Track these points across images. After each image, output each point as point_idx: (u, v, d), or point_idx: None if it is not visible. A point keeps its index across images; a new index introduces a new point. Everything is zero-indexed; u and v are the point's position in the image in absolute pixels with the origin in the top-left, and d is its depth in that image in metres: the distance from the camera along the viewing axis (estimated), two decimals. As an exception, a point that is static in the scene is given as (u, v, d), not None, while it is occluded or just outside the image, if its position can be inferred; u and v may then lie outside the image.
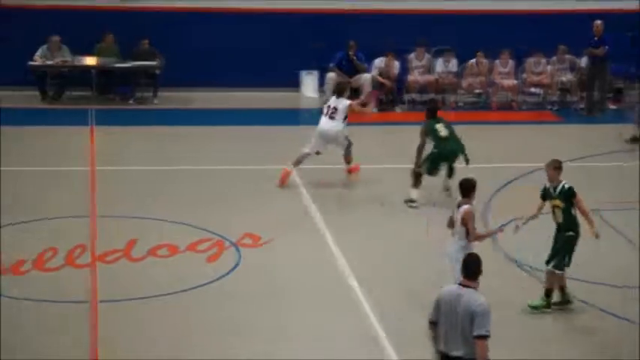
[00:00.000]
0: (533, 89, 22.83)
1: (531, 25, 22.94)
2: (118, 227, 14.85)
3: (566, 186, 12.18)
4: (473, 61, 22.64)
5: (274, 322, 12.05)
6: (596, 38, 21.75)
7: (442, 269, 12.27)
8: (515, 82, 22.57)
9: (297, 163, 17.18)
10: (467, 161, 16.10)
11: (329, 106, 17.22)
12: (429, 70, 22.84)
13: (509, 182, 17.25)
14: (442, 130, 16.42)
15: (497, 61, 22.63)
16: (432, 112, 16.81)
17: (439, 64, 22.79)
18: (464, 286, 8.93)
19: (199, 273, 13.30)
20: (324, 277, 13.46)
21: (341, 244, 14.45)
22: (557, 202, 12.19)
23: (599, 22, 21.79)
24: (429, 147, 16.26)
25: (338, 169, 17.54)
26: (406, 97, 22.64)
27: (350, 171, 17.50)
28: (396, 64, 22.62)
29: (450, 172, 16.52)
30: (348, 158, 17.42)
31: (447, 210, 14.45)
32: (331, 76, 22.45)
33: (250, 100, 22.69)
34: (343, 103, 17.17)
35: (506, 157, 18.71)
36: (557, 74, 22.62)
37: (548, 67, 22.64)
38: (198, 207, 15.88)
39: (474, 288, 8.91)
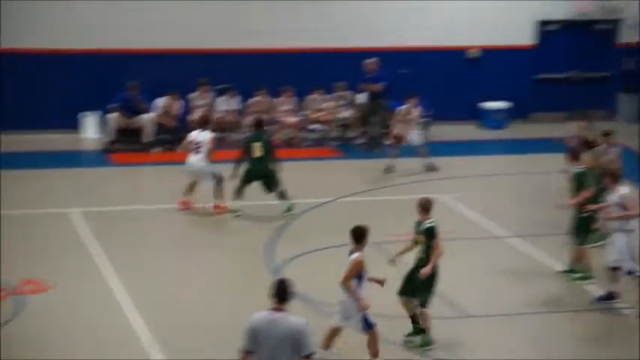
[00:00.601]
0: (314, 126, 23.25)
1: (311, 63, 23.40)
2: None
3: (428, 225, 12.38)
4: (255, 99, 22.83)
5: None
6: (369, 75, 22.33)
7: (233, 307, 12.23)
8: (297, 119, 22.92)
9: (218, 195, 17.31)
10: (270, 187, 17.01)
11: (191, 141, 17.27)
12: (212, 108, 22.87)
13: (293, 219, 17.45)
14: (257, 149, 16.83)
15: (279, 99, 22.92)
16: (255, 127, 17.52)
17: (221, 103, 22.89)
18: (276, 310, 8.98)
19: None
20: (108, 320, 13.22)
21: (127, 286, 14.23)
22: (419, 237, 12.45)
23: (370, 59, 22.41)
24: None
25: (124, 211, 17.33)
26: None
27: (216, 208, 17.38)
28: (178, 104, 22.56)
29: (280, 195, 17.08)
30: (218, 194, 17.31)
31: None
32: (113, 116, 22.16)
33: (29, 143, 22.04)
34: (206, 135, 17.12)
35: (290, 193, 18.90)
36: (337, 111, 23.12)
37: (328, 104, 23.11)
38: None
39: (286, 311, 8.98)
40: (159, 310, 13.50)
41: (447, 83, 24.10)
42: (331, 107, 23.06)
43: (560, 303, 14.32)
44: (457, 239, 16.52)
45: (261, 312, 9.03)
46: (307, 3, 23.41)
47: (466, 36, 24.30)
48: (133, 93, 22.16)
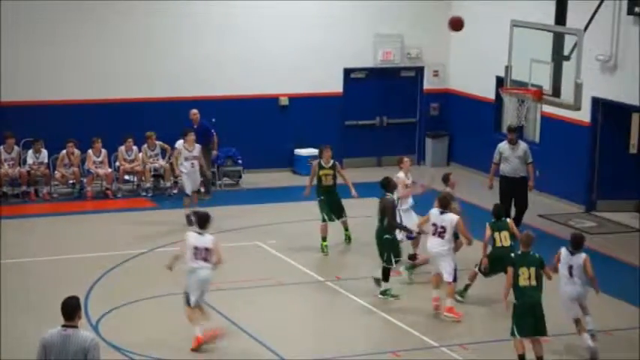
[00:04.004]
0: (127, 177, 22.87)
1: (120, 112, 23.13)
2: None
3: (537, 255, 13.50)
4: (64, 152, 22.31)
5: None
6: (195, 126, 22.07)
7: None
8: (109, 170, 22.51)
9: None
10: None
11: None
12: (20, 162, 22.23)
13: (108, 271, 17.10)
14: None
15: (90, 151, 22.46)
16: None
17: (30, 156, 22.25)
18: (67, 327, 9.42)
19: None
20: None
21: None
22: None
23: (193, 110, 22.34)
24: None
25: None
26: (-4, 190, 21.91)
27: None
28: (-15, 159, 21.80)
29: None
30: None
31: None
32: None
33: None
34: None
35: (103, 245, 18.57)
36: (150, 161, 22.84)
37: (140, 154, 22.81)
38: None
39: (78, 327, 9.46)
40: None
41: (260, 131, 24.24)
42: (143, 157, 22.75)
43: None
44: (275, 285, 16.63)
45: (53, 329, 9.44)
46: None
47: (278, 84, 24.53)
48: None
